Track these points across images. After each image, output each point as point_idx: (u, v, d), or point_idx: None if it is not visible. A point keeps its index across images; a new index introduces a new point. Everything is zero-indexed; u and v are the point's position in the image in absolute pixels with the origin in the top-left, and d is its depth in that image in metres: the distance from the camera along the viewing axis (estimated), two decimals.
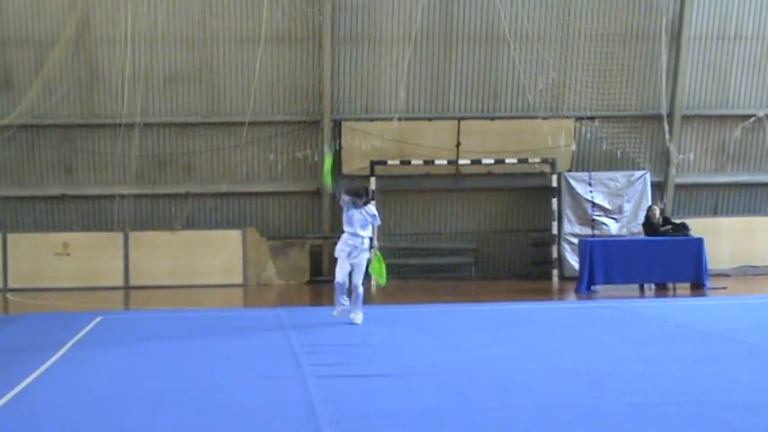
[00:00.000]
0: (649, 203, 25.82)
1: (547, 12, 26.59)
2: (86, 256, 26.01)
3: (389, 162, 26.02)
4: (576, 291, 22.75)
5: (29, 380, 11.56)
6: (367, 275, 16.71)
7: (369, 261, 16.62)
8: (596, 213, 26.45)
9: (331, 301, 22.36)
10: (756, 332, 14.76)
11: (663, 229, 23.59)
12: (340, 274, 16.49)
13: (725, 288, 22.94)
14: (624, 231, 25.83)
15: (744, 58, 27.47)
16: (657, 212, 24.04)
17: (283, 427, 9.00)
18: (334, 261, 26.91)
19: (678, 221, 25.05)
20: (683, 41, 26.94)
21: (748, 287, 23.77)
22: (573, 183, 26.48)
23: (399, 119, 26.37)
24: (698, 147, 27.85)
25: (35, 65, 25.97)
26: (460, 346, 13.90)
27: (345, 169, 26.49)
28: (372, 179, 25.67)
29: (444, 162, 26.29)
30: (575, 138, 27.10)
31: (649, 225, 23.83)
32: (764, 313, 17.99)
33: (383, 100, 26.84)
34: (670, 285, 23.30)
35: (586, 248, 22.83)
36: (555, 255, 26.41)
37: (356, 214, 16.30)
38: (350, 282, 16.50)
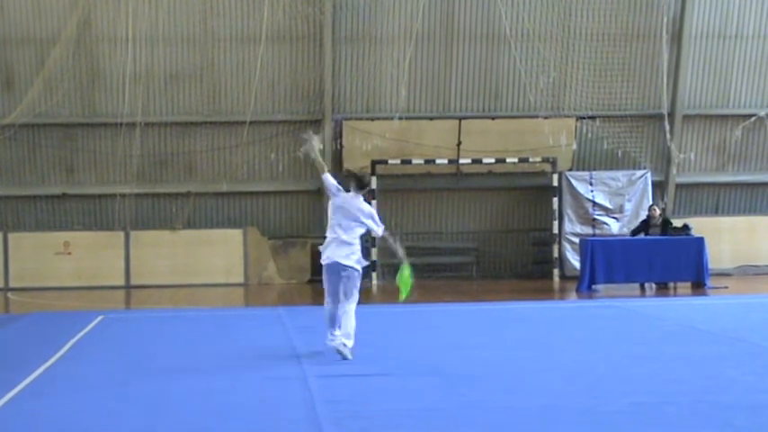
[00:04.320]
0: (650, 203, 25.84)
1: (548, 11, 26.57)
2: (87, 256, 26.00)
3: (390, 161, 26.01)
4: (577, 290, 22.73)
5: (30, 379, 11.57)
6: None
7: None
8: (597, 213, 26.44)
9: None
10: (758, 332, 14.75)
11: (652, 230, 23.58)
12: None
13: (726, 287, 22.92)
14: (625, 231, 25.78)
15: (745, 57, 27.45)
16: (657, 212, 24.03)
17: (285, 426, 9.01)
18: None
19: (680, 224, 25.05)
20: (683, 40, 26.92)
21: (749, 287, 23.76)
22: (574, 182, 26.47)
23: (400, 118, 26.37)
24: (699, 146, 27.83)
25: (36, 64, 25.96)
26: (461, 345, 13.91)
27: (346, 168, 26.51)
28: (373, 178, 25.68)
29: (445, 161, 26.28)
30: (576, 137, 27.09)
31: (647, 224, 23.80)
32: (766, 313, 17.99)
33: (384, 99, 26.83)
34: (671, 285, 23.30)
35: (587, 248, 22.83)
36: (556, 254, 26.40)
37: None
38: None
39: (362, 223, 12.89)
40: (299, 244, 26.70)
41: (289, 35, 26.35)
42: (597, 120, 27.08)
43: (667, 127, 27.11)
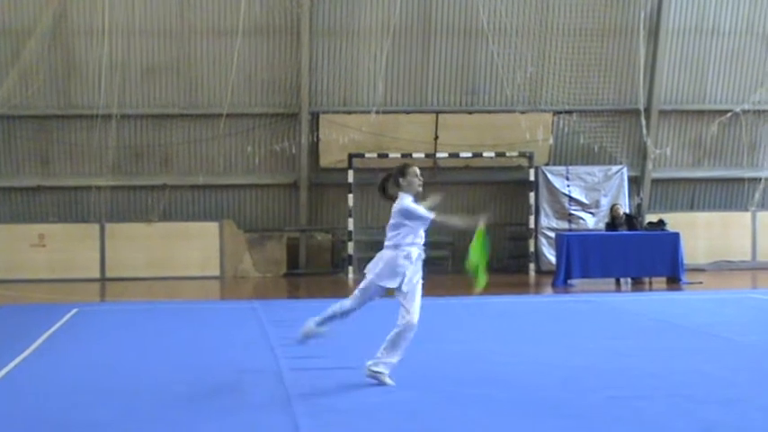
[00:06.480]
0: (626, 197, 25.93)
1: (525, 6, 26.59)
2: (62, 248, 25.88)
3: (367, 155, 25.97)
4: (553, 285, 22.79)
5: (3, 372, 11.51)
6: None
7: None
8: (573, 207, 26.48)
9: (308, 293, 22.39)
10: (731, 327, 14.82)
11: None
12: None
13: (701, 283, 23.01)
14: (601, 226, 25.85)
15: (721, 52, 27.54)
16: (621, 212, 24.10)
17: (259, 420, 8.99)
18: (311, 253, 27.31)
19: (656, 220, 25.11)
20: (660, 36, 26.98)
21: (724, 282, 23.84)
22: (550, 177, 26.51)
23: (377, 112, 26.35)
24: (675, 142, 27.92)
25: (11, 55, 25.80)
26: (436, 339, 13.89)
27: (323, 162, 26.50)
28: (350, 172, 25.66)
29: (422, 155, 26.26)
30: (552, 132, 27.14)
31: (613, 225, 23.87)
32: (740, 308, 18.07)
33: (361, 93, 26.80)
34: (646, 280, 23.37)
35: (563, 242, 22.88)
36: (532, 249, 26.43)
37: None
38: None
39: (399, 225, 11.10)
40: (275, 237, 26.66)
41: (266, 28, 26.28)
42: (574, 114, 27.12)
43: (644, 122, 27.17)
